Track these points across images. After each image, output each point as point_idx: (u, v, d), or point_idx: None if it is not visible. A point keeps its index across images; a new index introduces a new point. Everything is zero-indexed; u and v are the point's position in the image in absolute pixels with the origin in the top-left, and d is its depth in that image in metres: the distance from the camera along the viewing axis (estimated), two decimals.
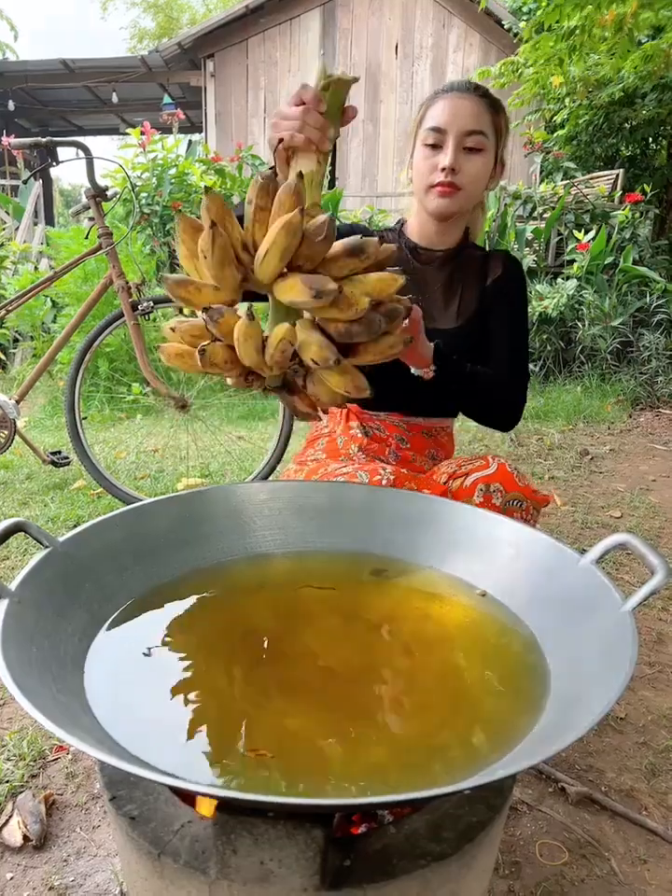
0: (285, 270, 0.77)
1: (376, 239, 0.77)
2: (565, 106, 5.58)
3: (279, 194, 0.75)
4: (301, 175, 0.76)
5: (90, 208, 2.29)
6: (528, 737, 0.60)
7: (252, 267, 0.79)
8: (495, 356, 1.31)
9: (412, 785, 0.58)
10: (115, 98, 9.38)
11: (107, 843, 1.04)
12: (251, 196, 0.77)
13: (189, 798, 0.64)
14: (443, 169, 1.20)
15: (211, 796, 0.51)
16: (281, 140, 0.83)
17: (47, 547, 0.74)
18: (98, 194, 2.22)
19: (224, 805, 0.52)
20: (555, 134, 6.09)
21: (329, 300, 0.73)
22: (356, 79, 0.83)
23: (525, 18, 7.33)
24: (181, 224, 0.80)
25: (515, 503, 1.11)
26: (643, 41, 3.57)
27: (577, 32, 3.27)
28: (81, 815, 1.10)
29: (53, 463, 2.61)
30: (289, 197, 0.75)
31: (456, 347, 1.26)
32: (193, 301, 0.80)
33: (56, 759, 1.21)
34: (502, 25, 7.84)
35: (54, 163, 2.20)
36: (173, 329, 0.83)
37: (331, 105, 0.83)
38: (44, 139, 2.09)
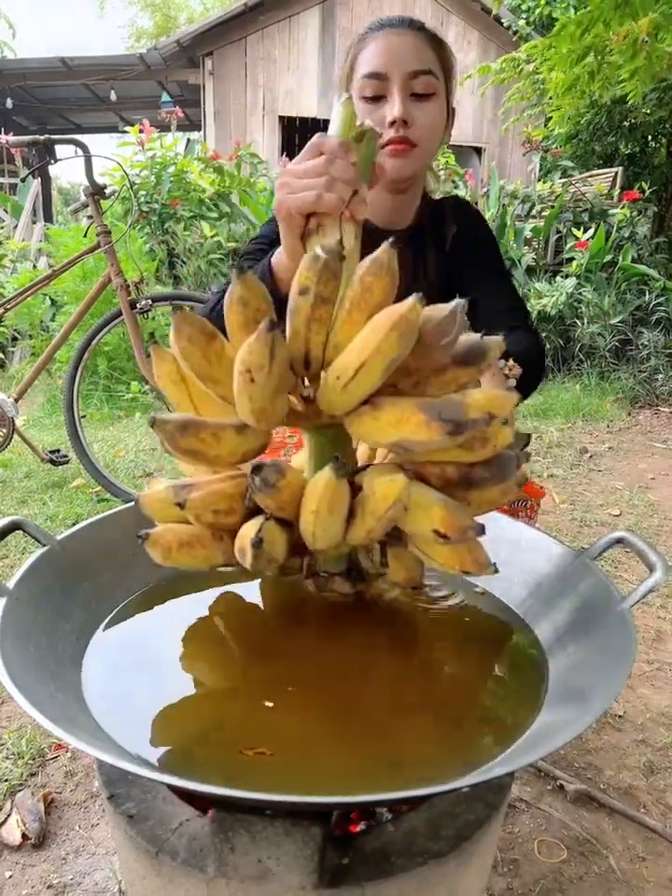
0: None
1: (500, 338, 0.56)
2: (563, 114, 5.57)
3: (362, 276, 0.53)
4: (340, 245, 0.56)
5: (88, 206, 2.29)
6: (526, 735, 0.60)
7: (314, 390, 0.57)
8: (489, 312, 1.12)
9: (409, 783, 0.58)
10: (113, 96, 9.36)
11: (106, 841, 1.04)
12: (306, 282, 0.54)
13: (187, 796, 0.64)
14: (392, 123, 0.98)
15: (209, 795, 0.51)
16: (290, 209, 0.64)
17: (45, 545, 0.74)
18: (96, 192, 2.22)
19: (222, 804, 0.52)
20: (555, 132, 6.08)
21: (469, 436, 0.51)
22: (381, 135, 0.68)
23: (524, 16, 7.32)
24: (181, 328, 0.55)
25: (521, 503, 1.10)
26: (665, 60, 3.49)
27: (592, 55, 3.15)
28: (80, 813, 1.10)
29: (52, 461, 2.61)
30: (381, 279, 0.53)
31: None
32: (209, 454, 0.56)
33: (55, 757, 1.21)
34: (501, 23, 7.82)
35: (52, 161, 2.20)
36: (181, 505, 0.58)
37: (362, 162, 0.64)
38: (42, 137, 2.09)
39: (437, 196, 1.22)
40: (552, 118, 4.10)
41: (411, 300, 0.51)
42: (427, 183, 1.18)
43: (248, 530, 0.57)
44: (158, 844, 0.59)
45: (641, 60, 2.93)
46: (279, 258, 0.80)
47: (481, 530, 0.55)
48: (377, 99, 1.00)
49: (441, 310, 0.54)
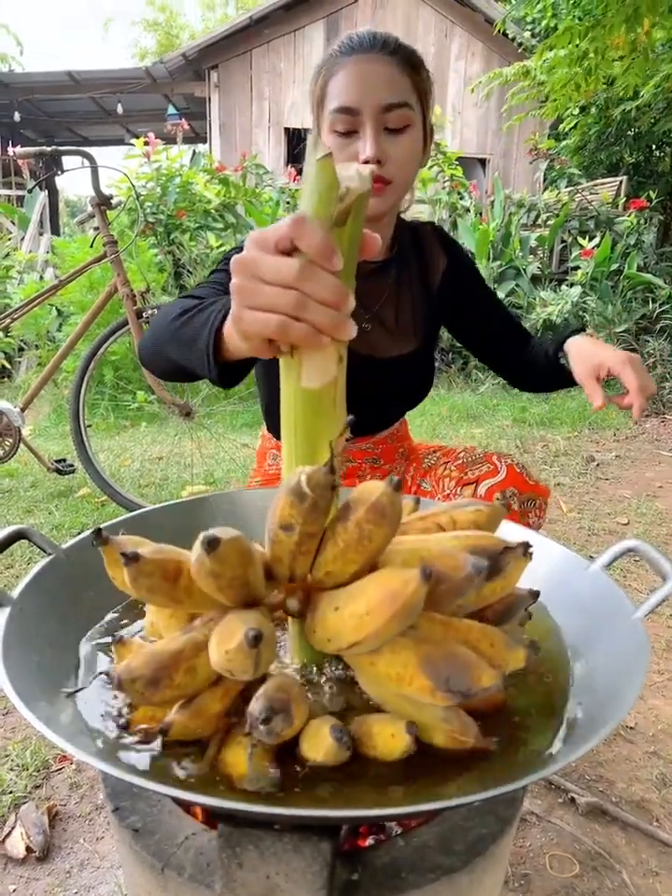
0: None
1: (520, 546, 0.54)
2: (572, 115, 5.60)
3: (360, 520, 0.49)
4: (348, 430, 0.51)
5: (94, 217, 2.30)
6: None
7: (300, 602, 0.54)
8: (509, 331, 1.23)
9: (420, 796, 0.56)
10: (119, 109, 9.45)
11: (111, 854, 1.03)
12: (289, 519, 0.48)
13: (193, 810, 0.63)
14: (365, 161, 0.93)
15: (216, 808, 0.50)
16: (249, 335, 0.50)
17: (50, 554, 0.73)
18: (103, 202, 2.23)
19: (229, 818, 0.51)
20: (562, 144, 6.11)
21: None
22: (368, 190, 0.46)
23: (529, 27, 7.36)
24: (139, 580, 0.51)
25: (530, 503, 1.09)
26: (657, 53, 3.55)
27: (590, 55, 3.22)
28: (85, 826, 1.09)
29: (58, 471, 2.61)
30: (381, 529, 0.49)
31: (421, 365, 1.18)
32: (188, 690, 0.52)
33: (59, 769, 1.20)
34: (506, 34, 7.87)
35: (59, 172, 2.21)
36: (163, 732, 0.52)
37: (347, 247, 0.47)
38: (49, 148, 2.10)
39: (405, 215, 1.19)
40: (560, 122, 4.13)
41: (415, 579, 0.44)
42: (405, 202, 1.14)
43: (236, 760, 0.52)
44: (163, 858, 0.58)
45: (637, 54, 3.00)
46: (230, 330, 0.60)
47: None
48: (349, 133, 0.96)
49: (457, 569, 0.49)
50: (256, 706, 0.49)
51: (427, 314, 1.17)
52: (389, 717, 0.54)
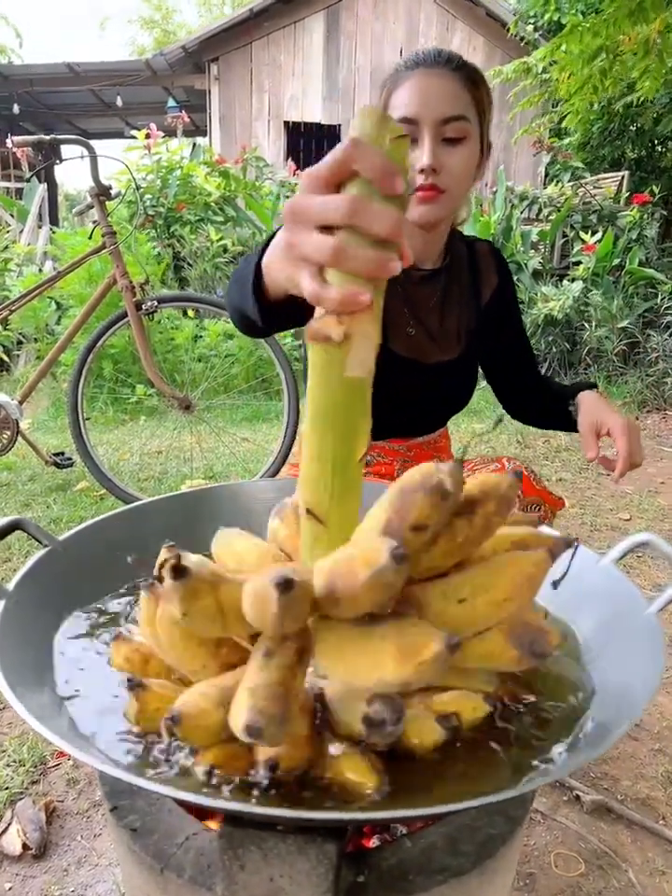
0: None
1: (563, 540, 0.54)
2: (575, 111, 5.57)
3: (490, 513, 0.51)
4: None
5: (93, 207, 2.28)
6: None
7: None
8: (524, 370, 1.29)
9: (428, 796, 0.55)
10: (119, 101, 9.40)
11: (109, 852, 1.01)
12: (421, 518, 0.47)
13: (193, 809, 0.61)
14: (422, 170, 0.97)
15: (217, 809, 0.48)
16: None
17: (46, 546, 0.71)
18: (102, 193, 2.21)
19: (231, 818, 0.49)
20: (566, 140, 6.08)
21: None
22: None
23: (532, 21, 7.31)
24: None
25: (534, 508, 1.07)
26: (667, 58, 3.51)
27: (604, 55, 3.17)
28: (82, 822, 1.07)
29: (56, 464, 2.59)
30: (506, 511, 0.52)
31: (462, 375, 1.21)
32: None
33: (57, 765, 1.18)
34: (507, 28, 7.83)
35: (58, 161, 2.19)
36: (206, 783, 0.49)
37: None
38: (47, 136, 2.07)
39: (463, 227, 1.24)
40: (565, 117, 4.08)
41: (545, 560, 0.50)
42: (461, 214, 1.18)
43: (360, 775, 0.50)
44: (163, 859, 0.56)
45: (653, 58, 2.94)
46: (271, 257, 0.59)
47: None
48: (409, 141, 0.98)
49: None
50: (378, 708, 0.47)
51: (474, 326, 1.20)
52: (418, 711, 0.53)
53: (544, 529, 0.61)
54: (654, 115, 5.49)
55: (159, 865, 0.56)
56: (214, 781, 0.49)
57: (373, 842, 0.68)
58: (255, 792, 0.50)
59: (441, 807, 0.46)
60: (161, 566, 0.50)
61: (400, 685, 0.45)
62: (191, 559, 0.50)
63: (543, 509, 1.08)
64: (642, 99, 4.76)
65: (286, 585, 0.44)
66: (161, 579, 0.49)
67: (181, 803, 0.61)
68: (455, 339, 1.19)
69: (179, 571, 0.48)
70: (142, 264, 2.65)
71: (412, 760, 0.54)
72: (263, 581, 0.45)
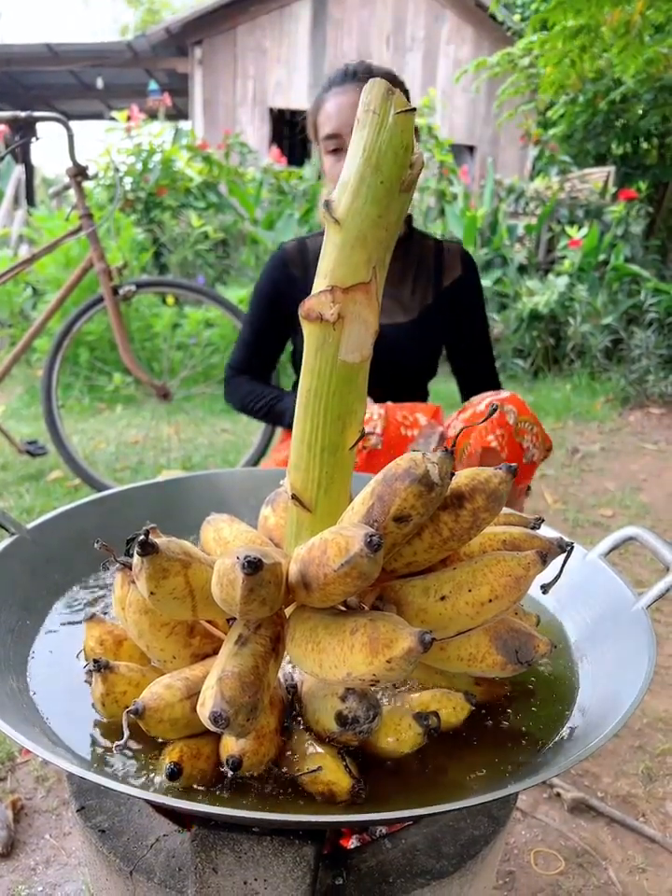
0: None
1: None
2: (560, 102, 5.55)
3: (477, 509, 0.50)
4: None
5: (71, 188, 2.21)
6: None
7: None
8: (478, 356, 1.41)
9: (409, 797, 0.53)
10: (99, 83, 9.21)
11: (78, 851, 0.98)
12: (409, 510, 0.47)
13: (164, 810, 0.58)
14: None
15: (190, 812, 0.46)
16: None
17: (13, 534, 0.68)
18: (79, 173, 2.14)
19: (203, 820, 0.47)
20: (551, 132, 6.07)
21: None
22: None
23: (518, 11, 7.29)
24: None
25: (527, 424, 1.08)
26: (647, 41, 3.52)
27: (584, 32, 3.20)
28: (51, 821, 1.04)
29: (29, 452, 2.53)
30: (496, 507, 0.51)
31: (410, 341, 1.32)
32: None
33: (25, 762, 1.15)
34: (495, 18, 7.79)
35: (35, 139, 2.12)
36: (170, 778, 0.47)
37: (396, 218, 0.52)
38: (23, 113, 2.01)
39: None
40: (550, 107, 4.07)
41: (535, 562, 0.48)
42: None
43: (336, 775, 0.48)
44: (132, 862, 0.54)
45: (631, 38, 2.96)
46: None
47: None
48: (338, 152, 1.20)
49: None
50: (352, 705, 0.47)
51: (430, 302, 1.34)
52: (397, 710, 0.51)
53: (542, 532, 0.59)
54: (640, 111, 5.49)
55: (128, 868, 0.54)
56: (178, 783, 0.47)
57: (352, 842, 0.66)
58: (223, 791, 0.48)
59: (422, 810, 0.44)
60: (130, 541, 0.47)
61: (369, 680, 0.43)
62: (163, 538, 0.48)
63: (535, 429, 1.09)
64: (626, 94, 4.76)
65: (251, 566, 0.41)
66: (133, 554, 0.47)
67: (152, 803, 0.58)
68: (408, 307, 1.33)
69: (147, 547, 0.45)
70: (123, 252, 2.58)
71: (391, 759, 0.52)
72: (230, 561, 0.43)
